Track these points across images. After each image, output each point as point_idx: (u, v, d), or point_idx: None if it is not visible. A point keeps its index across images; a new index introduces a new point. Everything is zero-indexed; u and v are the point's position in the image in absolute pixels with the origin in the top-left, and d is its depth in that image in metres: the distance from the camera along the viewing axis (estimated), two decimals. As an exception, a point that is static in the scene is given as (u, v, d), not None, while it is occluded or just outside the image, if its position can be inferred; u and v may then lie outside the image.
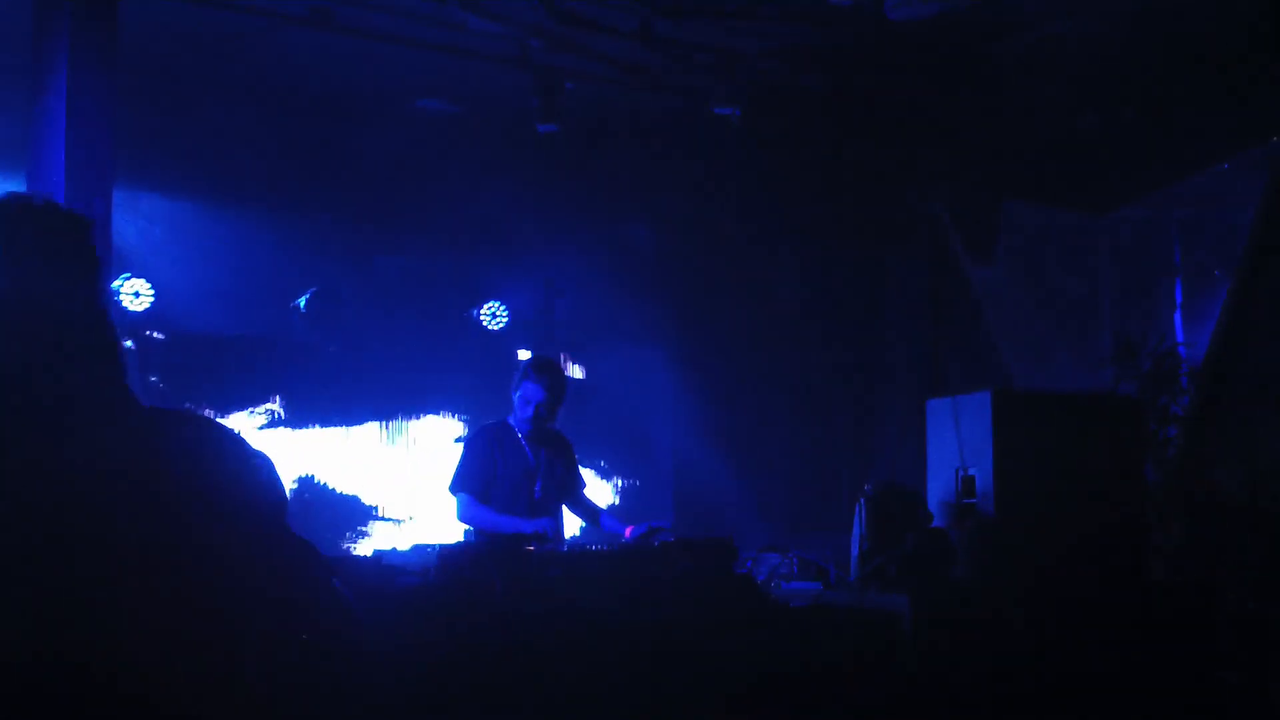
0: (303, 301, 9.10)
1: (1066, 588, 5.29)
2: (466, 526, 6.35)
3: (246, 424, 8.95)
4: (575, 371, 10.04)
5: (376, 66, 7.98)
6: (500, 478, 6.36)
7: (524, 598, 5.02)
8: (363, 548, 8.83)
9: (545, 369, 6.41)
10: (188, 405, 8.75)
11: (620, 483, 10.23)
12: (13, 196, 2.40)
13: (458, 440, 8.73)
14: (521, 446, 6.42)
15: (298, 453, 9.11)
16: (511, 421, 6.48)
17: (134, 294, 8.18)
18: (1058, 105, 8.45)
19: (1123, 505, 5.61)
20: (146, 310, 8.23)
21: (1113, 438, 5.71)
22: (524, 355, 9.16)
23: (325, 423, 9.32)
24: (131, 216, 8.26)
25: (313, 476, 9.20)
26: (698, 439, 9.97)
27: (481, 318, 9.76)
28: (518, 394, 6.37)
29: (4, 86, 6.98)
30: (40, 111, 6.17)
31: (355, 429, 9.45)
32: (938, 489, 5.64)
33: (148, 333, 8.33)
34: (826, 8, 7.13)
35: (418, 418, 9.69)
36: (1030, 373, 9.74)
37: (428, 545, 5.23)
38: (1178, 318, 10.49)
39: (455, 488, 6.41)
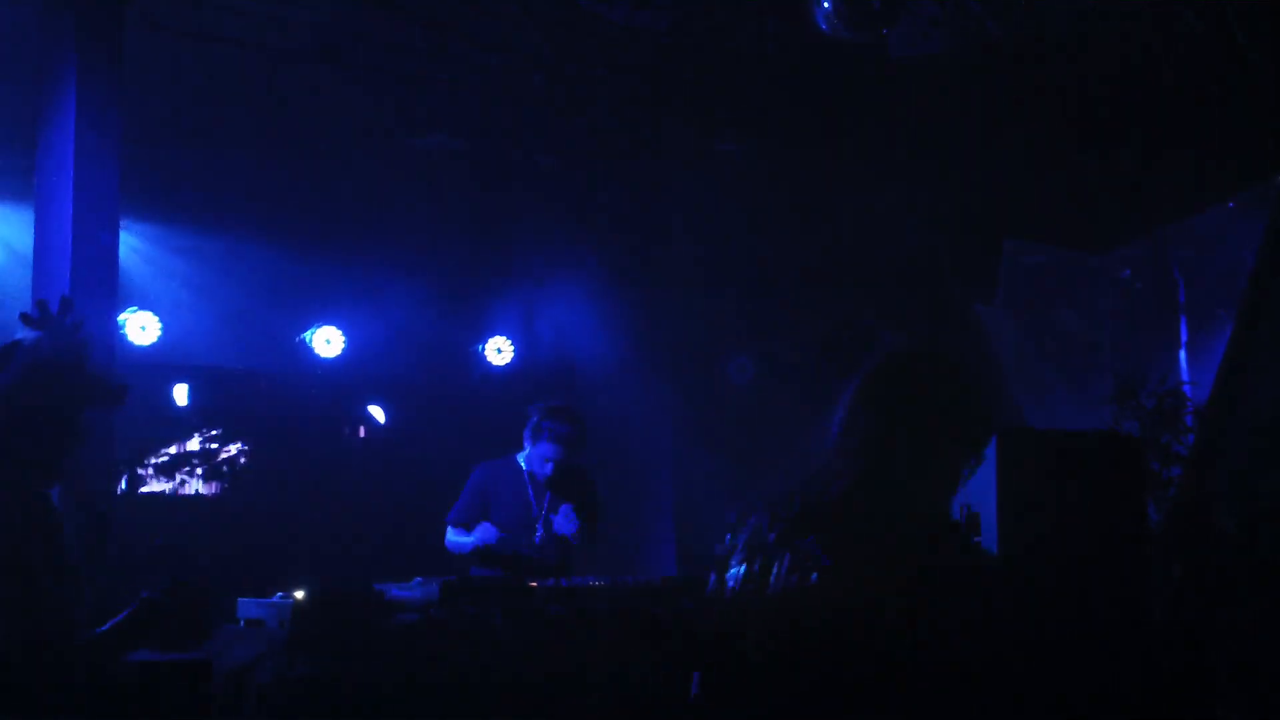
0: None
1: (1068, 627, 5.28)
2: (454, 555, 6.40)
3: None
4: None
5: (382, 100, 8.02)
6: (494, 517, 6.31)
7: (525, 633, 5.02)
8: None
9: (565, 423, 6.27)
10: (195, 436, 8.80)
11: (620, 518, 10.20)
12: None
13: None
14: (526, 491, 6.36)
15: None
16: (522, 461, 6.43)
17: (141, 327, 8.18)
18: (1058, 143, 8.47)
19: (1125, 545, 5.60)
20: (154, 344, 8.23)
21: (1116, 477, 5.70)
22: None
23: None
24: (138, 249, 8.29)
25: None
26: (698, 476, 9.95)
27: (486, 353, 9.76)
28: (535, 447, 6.29)
29: (12, 120, 7.02)
30: (47, 145, 6.20)
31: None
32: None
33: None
34: (829, 45, 7.16)
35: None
36: (1031, 411, 9.72)
37: (433, 581, 5.23)
38: (1183, 356, 10.47)
39: (447, 519, 6.44)
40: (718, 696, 2.66)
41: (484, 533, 6.15)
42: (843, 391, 2.79)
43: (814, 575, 2.55)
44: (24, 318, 3.32)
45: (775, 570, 2.61)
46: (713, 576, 2.75)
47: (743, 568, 2.67)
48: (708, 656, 2.71)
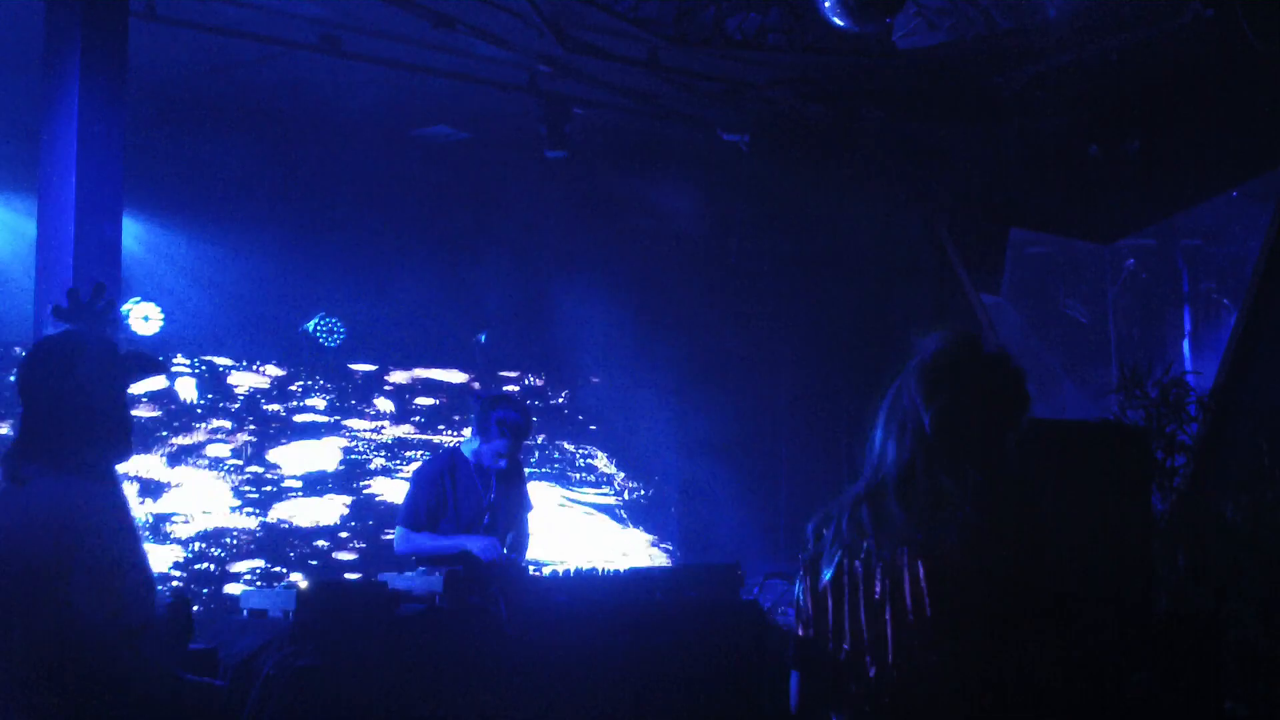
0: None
1: (1072, 617, 5.27)
2: (409, 556, 6.30)
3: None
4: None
5: (384, 92, 8.01)
6: (450, 511, 6.27)
7: (529, 622, 5.02)
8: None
9: (518, 418, 6.28)
10: (198, 427, 8.81)
11: (625, 510, 10.22)
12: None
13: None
14: (474, 480, 6.33)
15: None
16: (466, 453, 6.39)
17: (144, 318, 8.18)
18: (1063, 134, 8.46)
19: (1129, 535, 5.59)
20: (156, 334, 8.23)
21: (1120, 467, 5.69)
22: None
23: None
24: (141, 240, 8.29)
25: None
26: (703, 467, 9.96)
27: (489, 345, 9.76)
28: (487, 442, 6.29)
29: (16, 111, 7.01)
30: (51, 137, 6.19)
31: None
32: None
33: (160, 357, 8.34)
34: (833, 37, 7.15)
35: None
36: (1036, 401, 9.70)
37: (435, 570, 5.22)
38: (1186, 345, 10.47)
39: (398, 521, 6.38)
40: (822, 696, 2.85)
41: (488, 551, 6.06)
42: (888, 389, 3.10)
43: (902, 550, 2.80)
44: (57, 310, 3.33)
45: (864, 554, 2.85)
46: (800, 583, 2.95)
47: (837, 556, 2.90)
48: (808, 659, 2.88)
